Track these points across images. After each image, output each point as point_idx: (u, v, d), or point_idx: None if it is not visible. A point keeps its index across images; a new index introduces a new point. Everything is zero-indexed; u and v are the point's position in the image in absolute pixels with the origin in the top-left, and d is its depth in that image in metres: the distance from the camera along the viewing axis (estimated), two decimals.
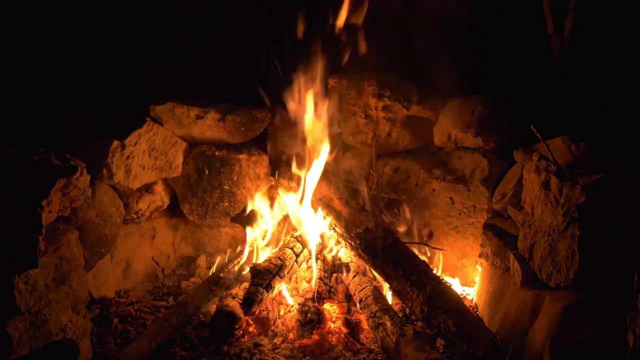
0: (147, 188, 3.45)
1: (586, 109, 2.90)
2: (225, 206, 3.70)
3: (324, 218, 3.30)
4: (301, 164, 3.45)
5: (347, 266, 3.22)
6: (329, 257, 3.31)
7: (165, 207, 3.63)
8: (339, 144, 3.71)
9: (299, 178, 3.43)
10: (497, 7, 3.44)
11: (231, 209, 3.73)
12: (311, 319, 2.84)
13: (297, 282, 3.28)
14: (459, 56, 3.40)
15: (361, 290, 3.01)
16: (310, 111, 3.41)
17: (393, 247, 2.87)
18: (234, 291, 3.00)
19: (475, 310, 3.11)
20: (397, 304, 3.07)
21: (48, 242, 2.30)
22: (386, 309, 2.83)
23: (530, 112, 2.94)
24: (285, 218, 3.64)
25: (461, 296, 3.21)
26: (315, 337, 2.83)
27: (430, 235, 3.60)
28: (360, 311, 3.01)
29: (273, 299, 3.06)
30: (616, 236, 2.24)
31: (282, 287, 3.10)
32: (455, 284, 3.39)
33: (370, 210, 3.33)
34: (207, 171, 3.63)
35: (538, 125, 2.47)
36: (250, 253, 3.43)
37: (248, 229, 3.56)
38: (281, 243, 3.38)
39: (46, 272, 2.29)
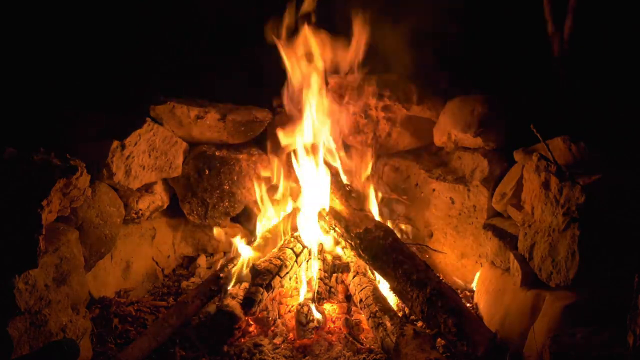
0: (147, 188, 3.44)
1: (586, 109, 2.90)
2: (225, 206, 3.70)
3: (324, 218, 3.29)
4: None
5: (347, 266, 3.22)
6: (329, 257, 3.32)
7: (165, 207, 3.63)
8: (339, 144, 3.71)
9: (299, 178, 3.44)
10: (498, 7, 3.44)
11: (231, 209, 3.72)
12: (311, 319, 2.84)
13: (297, 282, 3.27)
14: (459, 56, 3.41)
15: (361, 290, 3.01)
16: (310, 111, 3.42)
17: (393, 247, 2.87)
18: (234, 291, 2.99)
19: (475, 310, 3.11)
20: (397, 304, 3.08)
21: (48, 242, 2.30)
22: (386, 309, 2.83)
23: (530, 112, 2.94)
24: (286, 218, 3.63)
25: (461, 296, 3.22)
26: (315, 337, 2.83)
27: (430, 235, 3.60)
28: (360, 311, 3.01)
29: (273, 299, 3.06)
30: (616, 236, 2.24)
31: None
32: (456, 284, 3.40)
33: (370, 210, 3.34)
34: (207, 171, 3.63)
35: (538, 125, 2.47)
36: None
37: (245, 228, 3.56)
38: (281, 243, 3.38)
39: (46, 272, 2.29)
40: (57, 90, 3.21)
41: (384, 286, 3.01)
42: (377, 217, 3.31)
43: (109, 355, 2.63)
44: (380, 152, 3.79)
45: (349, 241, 3.07)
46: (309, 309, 2.87)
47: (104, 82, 3.39)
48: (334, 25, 3.44)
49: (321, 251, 3.31)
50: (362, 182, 3.59)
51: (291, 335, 2.87)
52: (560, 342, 2.10)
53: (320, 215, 3.26)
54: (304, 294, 3.09)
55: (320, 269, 3.20)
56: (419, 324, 2.79)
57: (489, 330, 2.47)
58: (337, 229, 3.18)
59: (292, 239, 3.32)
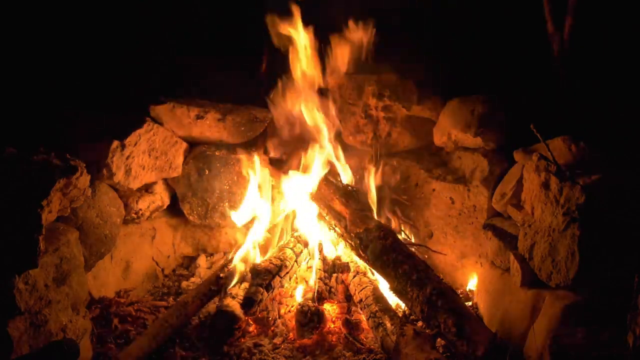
0: (147, 188, 3.44)
1: (586, 109, 2.91)
2: (225, 206, 3.70)
3: (324, 218, 3.29)
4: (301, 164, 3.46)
5: (347, 266, 3.22)
6: (329, 257, 3.32)
7: (165, 207, 3.63)
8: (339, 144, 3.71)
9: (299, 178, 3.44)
10: (498, 6, 3.44)
11: (231, 209, 3.72)
12: (311, 319, 2.84)
13: (297, 282, 3.27)
14: (459, 55, 3.41)
15: (361, 290, 3.01)
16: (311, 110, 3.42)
17: (393, 247, 2.87)
18: (234, 291, 3.00)
19: (475, 310, 3.11)
20: (397, 304, 3.08)
21: (48, 242, 2.30)
22: (386, 309, 2.83)
23: (530, 112, 2.94)
24: (286, 218, 3.64)
25: (461, 296, 3.22)
26: (315, 337, 2.83)
27: (430, 235, 3.60)
28: (360, 311, 3.01)
29: (273, 299, 3.06)
30: (616, 236, 2.24)
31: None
32: (456, 284, 3.40)
33: (370, 210, 3.34)
34: (207, 171, 3.63)
35: (538, 125, 2.47)
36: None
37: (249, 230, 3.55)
38: (281, 243, 3.38)
39: (46, 272, 2.29)
40: (57, 90, 3.21)
41: (384, 286, 3.02)
42: (377, 217, 3.31)
43: (109, 355, 2.63)
44: (380, 152, 3.79)
45: (349, 241, 3.08)
46: (309, 309, 2.87)
47: (104, 82, 3.39)
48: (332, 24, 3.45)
49: (321, 251, 3.32)
50: (362, 182, 3.59)
51: (291, 335, 2.87)
52: (560, 342, 2.10)
53: (320, 215, 3.26)
54: (303, 294, 3.09)
55: (320, 269, 3.20)
56: (419, 324, 2.79)
57: (489, 330, 2.47)
58: (337, 229, 3.18)
59: (292, 239, 3.32)
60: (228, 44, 3.94)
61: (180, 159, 3.56)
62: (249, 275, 3.02)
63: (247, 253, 3.24)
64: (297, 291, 3.17)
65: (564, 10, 3.11)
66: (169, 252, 3.77)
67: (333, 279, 3.24)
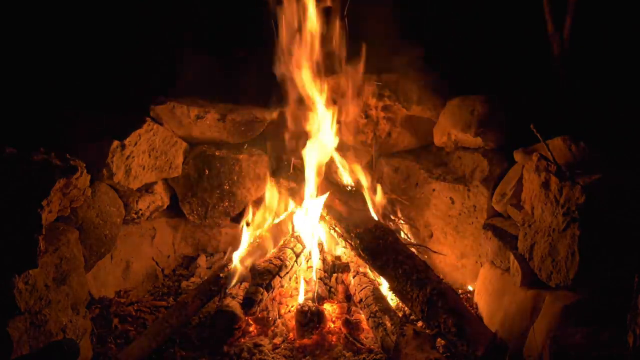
0: (147, 188, 3.44)
1: (586, 109, 2.91)
2: (225, 206, 3.70)
3: (325, 218, 3.29)
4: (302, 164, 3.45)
5: (347, 266, 3.22)
6: (329, 257, 3.32)
7: (165, 207, 3.63)
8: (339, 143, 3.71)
9: (300, 178, 3.44)
10: (498, 6, 3.45)
11: (231, 209, 3.72)
12: (311, 319, 2.83)
13: (297, 282, 3.27)
14: (459, 55, 3.41)
15: (361, 290, 3.01)
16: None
17: (393, 247, 2.87)
18: (234, 291, 3.00)
19: (475, 310, 3.11)
20: (397, 304, 3.07)
21: (48, 242, 2.31)
22: (386, 309, 2.83)
23: (530, 112, 2.94)
24: (286, 218, 3.63)
25: (461, 296, 3.22)
26: (315, 337, 2.83)
27: (430, 235, 3.60)
28: (360, 311, 3.01)
29: (273, 299, 3.06)
30: (616, 236, 2.24)
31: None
32: (456, 284, 3.40)
33: (370, 210, 3.34)
34: (207, 171, 3.63)
35: (538, 125, 2.47)
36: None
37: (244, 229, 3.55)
38: (281, 243, 3.38)
39: (46, 272, 2.29)
40: (57, 90, 3.21)
41: (384, 286, 3.02)
42: (377, 217, 3.31)
43: (109, 355, 2.63)
44: (380, 152, 3.79)
45: (349, 241, 3.07)
46: (309, 309, 2.87)
47: (104, 82, 3.39)
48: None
49: (321, 251, 3.31)
50: (362, 182, 3.59)
51: (291, 335, 2.87)
52: (560, 342, 2.10)
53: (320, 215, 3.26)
54: (303, 294, 3.09)
55: (320, 269, 3.20)
56: (419, 324, 2.79)
57: (489, 330, 2.47)
58: (337, 229, 3.18)
59: (292, 239, 3.32)
60: (228, 43, 3.93)
61: (180, 159, 3.56)
62: (249, 275, 3.02)
63: (247, 253, 3.24)
64: (297, 291, 3.17)
65: (564, 10, 3.11)
66: (169, 252, 3.77)
67: (333, 279, 3.24)
